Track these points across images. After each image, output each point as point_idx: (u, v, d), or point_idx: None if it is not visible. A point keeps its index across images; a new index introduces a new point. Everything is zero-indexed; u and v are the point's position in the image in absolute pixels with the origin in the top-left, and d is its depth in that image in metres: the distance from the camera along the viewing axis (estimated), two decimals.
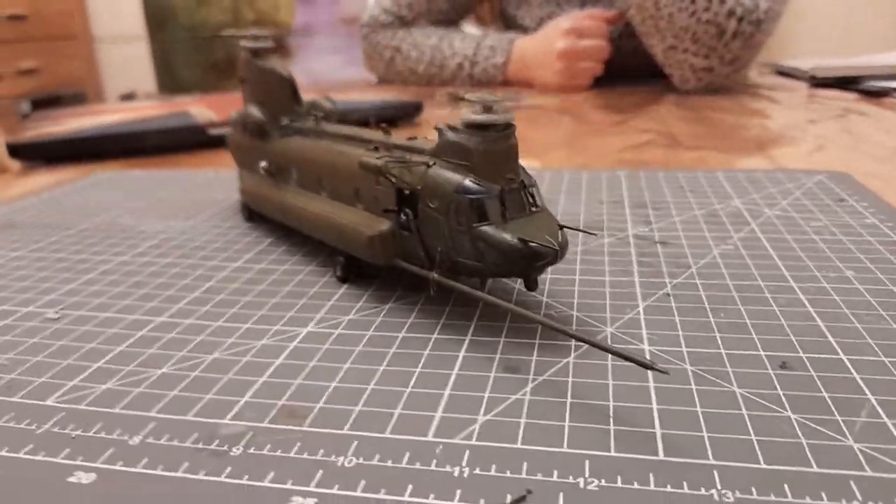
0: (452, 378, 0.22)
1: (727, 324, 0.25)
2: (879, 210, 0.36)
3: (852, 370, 0.22)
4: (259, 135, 0.37)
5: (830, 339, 0.23)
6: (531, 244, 0.23)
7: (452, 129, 0.25)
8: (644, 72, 0.96)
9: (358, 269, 0.30)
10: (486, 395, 0.21)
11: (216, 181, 0.50)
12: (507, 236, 0.23)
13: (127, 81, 2.42)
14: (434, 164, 0.25)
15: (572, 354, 0.23)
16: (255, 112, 0.37)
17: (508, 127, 0.25)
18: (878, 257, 0.30)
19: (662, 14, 0.81)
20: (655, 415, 0.20)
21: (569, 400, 0.21)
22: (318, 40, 2.46)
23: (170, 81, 2.49)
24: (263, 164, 0.36)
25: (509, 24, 1.11)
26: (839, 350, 0.23)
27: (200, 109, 0.69)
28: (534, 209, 0.25)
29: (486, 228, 0.24)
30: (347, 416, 0.20)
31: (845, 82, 0.84)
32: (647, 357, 0.23)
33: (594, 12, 0.94)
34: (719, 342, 0.24)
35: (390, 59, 1.08)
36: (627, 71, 0.97)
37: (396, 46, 1.07)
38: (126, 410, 0.21)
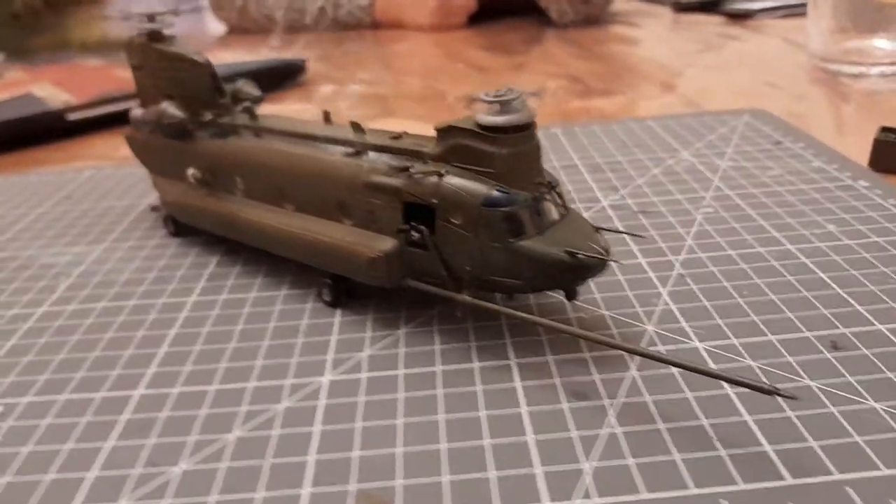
0: (526, 418, 0.20)
1: (757, 303, 0.25)
2: (818, 151, 0.38)
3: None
4: (179, 136, 0.31)
5: (858, 308, 0.24)
6: (579, 256, 0.21)
7: (465, 132, 0.22)
8: (515, 7, 0.94)
9: (348, 290, 0.27)
10: (573, 433, 0.19)
11: (106, 182, 0.43)
12: (553, 250, 0.21)
13: None
14: (446, 172, 0.22)
15: (633, 367, 0.22)
16: (173, 110, 0.31)
17: (531, 125, 0.22)
18: (847, 206, 0.31)
19: None
20: (755, 429, 0.19)
21: (661, 425, 0.19)
22: None
23: None
24: (193, 171, 0.31)
25: None
26: (874, 320, 0.23)
27: (44, 88, 0.58)
28: (563, 212, 0.23)
29: (527, 243, 0.21)
30: (438, 494, 0.18)
31: (707, 5, 0.87)
32: (706, 355, 0.22)
33: None
34: (762, 327, 0.23)
35: (243, 6, 0.98)
36: (498, 6, 0.95)
37: None
38: None
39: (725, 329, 0.23)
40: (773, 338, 0.23)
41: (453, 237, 0.22)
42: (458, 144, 0.22)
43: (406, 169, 0.23)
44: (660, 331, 0.24)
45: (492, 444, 0.19)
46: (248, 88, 0.33)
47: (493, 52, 0.75)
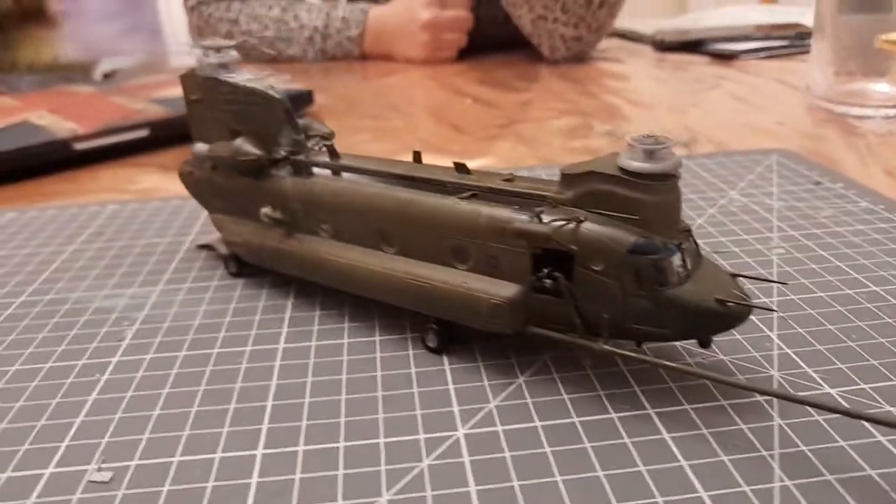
0: (690, 473, 0.19)
1: (870, 346, 0.25)
2: (860, 192, 0.39)
3: None
4: (254, 174, 0.30)
5: None
6: (730, 304, 0.21)
7: (610, 177, 0.22)
8: (505, 41, 0.96)
9: (451, 335, 0.26)
10: (745, 488, 0.19)
11: (136, 218, 0.40)
12: (703, 299, 0.21)
13: None
14: (585, 218, 0.22)
15: (775, 414, 0.22)
16: (250, 147, 0.30)
17: (678, 174, 0.22)
18: None
19: None
20: None
21: (829, 476, 0.19)
22: (87, 4, 2.13)
23: None
24: (268, 210, 0.29)
25: None
26: None
27: (43, 116, 0.55)
28: (698, 258, 0.23)
29: (675, 292, 0.21)
30: None
31: (690, 45, 0.90)
32: (842, 401, 0.22)
33: None
34: (886, 371, 0.23)
35: (227, 34, 0.96)
36: (486, 40, 0.96)
37: (233, 19, 0.95)
38: None
39: (850, 374, 0.23)
40: None
41: (592, 284, 0.22)
42: (597, 190, 0.22)
43: (537, 215, 0.23)
44: (786, 376, 0.24)
45: (664, 501, 0.19)
46: (318, 125, 0.32)
47: (493, 87, 0.75)
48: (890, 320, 0.26)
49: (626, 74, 0.79)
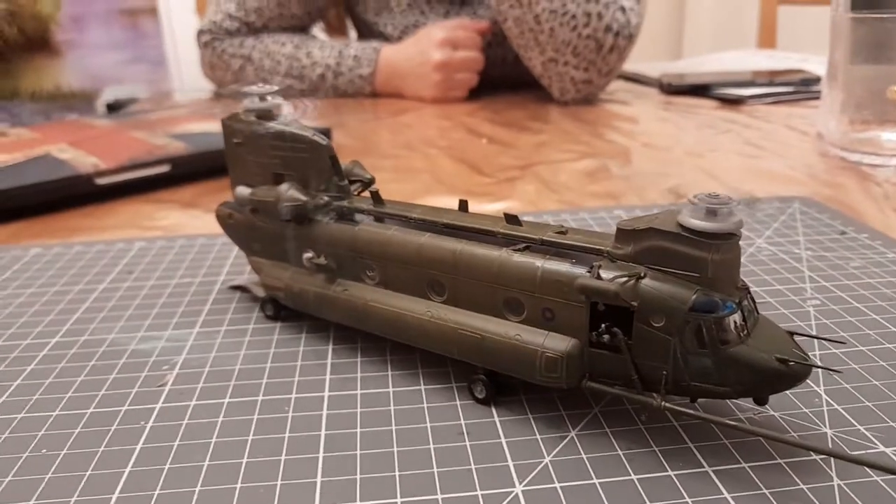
0: None
1: None
2: (886, 242, 0.39)
3: None
4: (298, 220, 0.30)
5: None
6: (791, 363, 0.21)
7: (670, 234, 0.22)
8: (513, 80, 0.97)
9: (498, 386, 0.26)
10: None
11: (165, 257, 0.40)
12: (765, 358, 0.21)
13: None
14: (645, 274, 0.22)
15: (833, 474, 0.22)
16: (295, 193, 0.30)
17: (739, 233, 0.22)
18: None
19: (543, 28, 0.82)
20: None
21: None
22: (92, 34, 2.16)
23: None
24: (310, 255, 0.29)
25: (365, 30, 1.05)
26: None
27: (64, 150, 0.55)
28: (756, 316, 0.23)
29: (738, 350, 0.21)
30: None
31: (697, 89, 0.91)
32: None
33: (465, 23, 0.93)
34: None
35: (240, 69, 0.97)
36: (496, 80, 0.98)
37: (246, 55, 0.96)
38: None
39: None
40: None
41: (652, 340, 0.22)
42: (655, 247, 0.22)
43: (594, 269, 0.23)
44: (839, 434, 0.24)
45: None
46: (360, 170, 0.32)
47: (507, 127, 0.76)
48: None
49: (635, 117, 0.80)
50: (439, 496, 0.21)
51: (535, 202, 0.50)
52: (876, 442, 0.23)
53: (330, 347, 0.30)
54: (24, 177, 0.49)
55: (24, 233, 0.46)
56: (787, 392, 0.26)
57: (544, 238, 0.25)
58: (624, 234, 0.23)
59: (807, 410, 0.25)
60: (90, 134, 0.61)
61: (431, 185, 0.55)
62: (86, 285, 0.37)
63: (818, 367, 0.21)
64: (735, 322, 0.21)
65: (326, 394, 0.26)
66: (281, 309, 0.32)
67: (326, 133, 0.65)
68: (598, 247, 0.24)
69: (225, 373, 0.28)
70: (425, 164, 0.62)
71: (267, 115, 0.32)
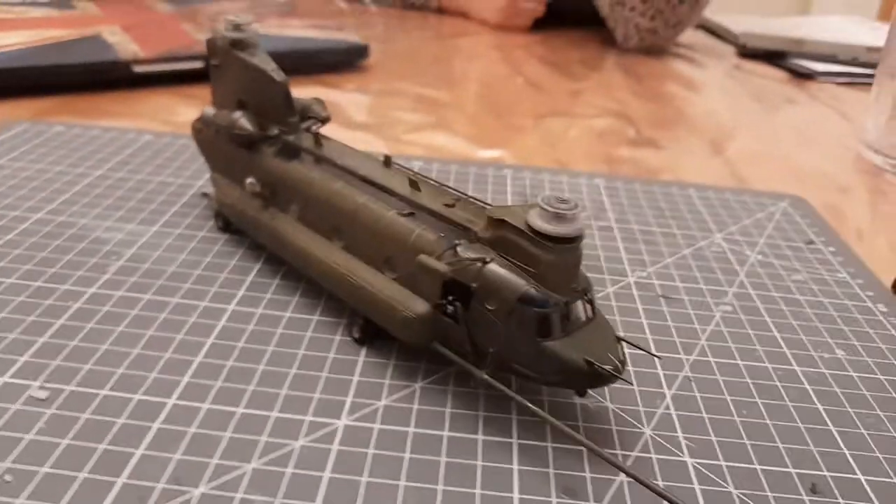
0: None
1: (753, 425, 0.26)
2: (846, 259, 0.39)
3: (873, 497, 0.24)
4: (247, 147, 0.33)
5: (846, 451, 0.25)
6: (596, 367, 0.23)
7: (517, 229, 0.23)
8: (581, 18, 0.94)
9: (376, 331, 0.29)
10: None
11: (164, 152, 0.44)
12: (574, 356, 0.23)
13: None
14: (492, 260, 0.24)
15: (623, 477, 0.24)
16: (245, 124, 0.32)
17: (580, 238, 0.23)
18: (860, 331, 0.33)
19: None
20: None
21: None
22: None
23: None
24: (251, 181, 0.33)
25: None
26: (856, 468, 0.25)
27: (115, 33, 0.60)
28: (591, 316, 0.24)
29: (551, 345, 0.23)
30: None
31: (773, 55, 0.86)
32: (692, 472, 0.24)
33: None
34: (751, 454, 0.25)
35: None
36: (564, 15, 0.95)
37: None
38: None
39: (717, 448, 0.25)
40: (758, 467, 0.24)
41: (485, 320, 0.24)
42: (507, 238, 0.24)
43: (454, 247, 0.25)
44: (656, 436, 0.25)
45: None
46: (317, 107, 0.34)
47: (552, 69, 0.75)
48: (790, 404, 0.27)
49: (691, 79, 0.77)
50: (273, 413, 0.25)
51: (525, 157, 0.51)
52: (685, 452, 0.25)
53: (257, 267, 0.33)
54: (68, 56, 0.54)
55: (58, 110, 0.51)
56: (637, 388, 0.28)
57: (432, 208, 0.27)
58: (489, 219, 0.25)
59: (642, 408, 0.27)
60: (144, 19, 0.65)
61: (440, 123, 0.57)
62: (85, 169, 0.41)
63: (619, 377, 0.23)
64: (557, 319, 0.23)
65: (231, 307, 0.30)
66: (230, 224, 0.35)
67: (361, 49, 0.67)
68: (471, 227, 0.26)
69: (158, 272, 0.32)
70: (449, 98, 0.63)
71: (240, 43, 0.34)
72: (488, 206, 0.26)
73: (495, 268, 0.24)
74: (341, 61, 0.66)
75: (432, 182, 0.29)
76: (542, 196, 0.23)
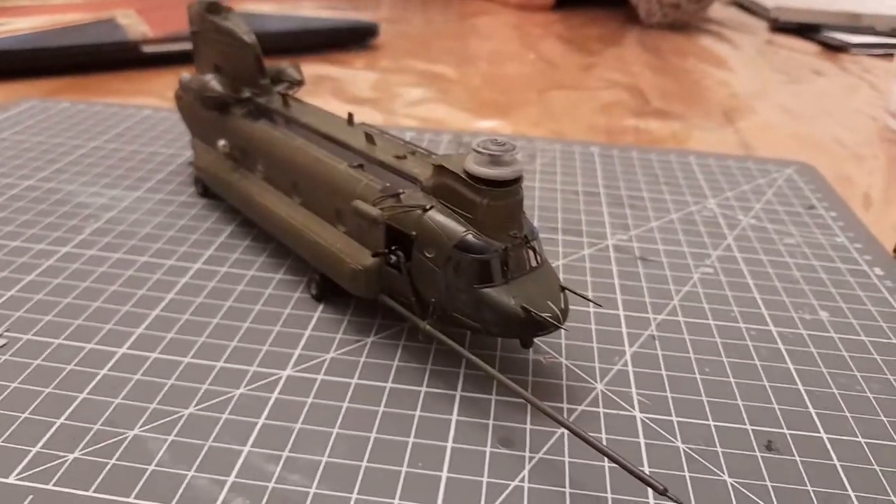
0: (448, 455, 0.21)
1: (713, 383, 0.25)
2: (847, 224, 0.37)
3: (833, 455, 0.22)
4: (218, 109, 0.33)
5: (811, 410, 0.24)
6: (534, 314, 0.22)
7: (454, 175, 0.23)
8: None
9: (333, 287, 0.28)
10: (483, 479, 0.21)
11: (160, 125, 0.45)
12: (510, 303, 0.22)
13: None
14: (431, 208, 0.24)
15: (564, 431, 0.23)
16: (215, 85, 0.33)
17: (517, 181, 0.23)
18: (849, 293, 0.31)
19: None
20: None
21: (567, 489, 0.20)
22: None
23: None
24: (223, 143, 0.33)
25: None
26: (820, 427, 0.23)
27: (129, 16, 0.61)
28: (534, 265, 0.24)
29: (488, 291, 0.22)
30: None
31: (806, 28, 0.83)
32: (640, 427, 0.23)
33: None
34: (707, 411, 0.24)
35: None
36: None
37: None
38: (101, 494, 0.20)
39: (671, 404, 0.24)
40: (712, 423, 0.23)
41: (425, 269, 0.24)
42: (446, 184, 0.23)
43: (397, 195, 0.24)
44: (607, 391, 0.24)
45: (407, 472, 0.21)
46: (291, 71, 0.34)
47: (568, 45, 0.74)
48: (759, 363, 0.26)
49: (713, 53, 0.74)
50: (220, 363, 0.25)
51: (524, 128, 0.50)
52: (635, 407, 0.24)
53: (229, 229, 0.33)
54: (79, 38, 0.55)
55: (67, 88, 0.53)
56: (596, 345, 0.27)
57: (382, 160, 0.27)
58: (433, 168, 0.24)
59: (598, 365, 0.26)
60: (160, 1, 0.66)
61: (440, 97, 0.56)
62: (81, 141, 0.42)
63: (555, 325, 0.22)
64: (497, 266, 0.23)
65: (197, 265, 0.30)
66: (209, 189, 0.36)
67: (371, 28, 0.67)
68: (418, 177, 0.25)
69: (132, 233, 0.33)
70: (456, 74, 0.62)
71: (214, 8, 0.34)
72: (434, 156, 0.26)
73: (434, 214, 0.23)
74: (351, 39, 0.66)
75: (389, 137, 0.29)
76: (476, 140, 0.23)
